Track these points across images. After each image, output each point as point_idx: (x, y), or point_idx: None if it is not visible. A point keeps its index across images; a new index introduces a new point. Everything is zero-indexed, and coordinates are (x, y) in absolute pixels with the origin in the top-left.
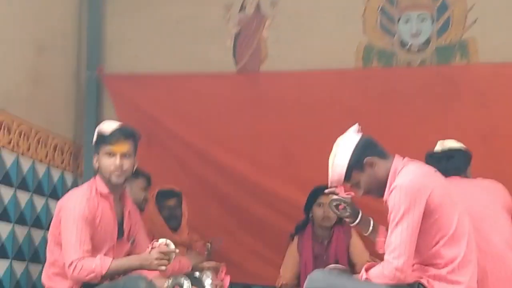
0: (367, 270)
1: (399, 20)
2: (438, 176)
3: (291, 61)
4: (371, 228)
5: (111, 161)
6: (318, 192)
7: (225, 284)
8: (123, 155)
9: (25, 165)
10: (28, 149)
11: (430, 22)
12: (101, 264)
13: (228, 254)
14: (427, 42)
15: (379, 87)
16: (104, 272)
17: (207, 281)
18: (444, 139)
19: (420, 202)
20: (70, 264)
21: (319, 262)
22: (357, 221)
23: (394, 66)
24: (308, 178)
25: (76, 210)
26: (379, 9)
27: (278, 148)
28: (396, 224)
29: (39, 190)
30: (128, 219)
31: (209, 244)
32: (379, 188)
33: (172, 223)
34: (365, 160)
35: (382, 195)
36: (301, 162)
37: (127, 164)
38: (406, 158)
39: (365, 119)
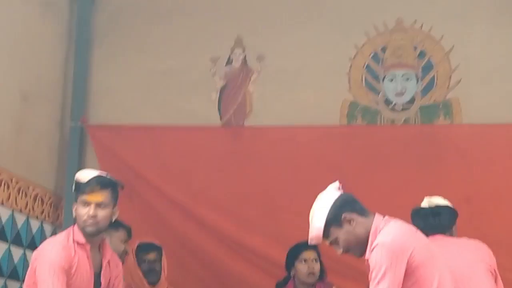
0: None
1: (384, 78)
2: (420, 235)
3: (276, 116)
4: None
5: (85, 211)
6: (300, 248)
7: None
8: (98, 205)
9: (4, 215)
10: (8, 199)
11: (415, 81)
12: None
13: None
14: (412, 101)
15: (363, 144)
16: None
17: None
18: (423, 199)
19: (402, 260)
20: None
21: None
22: None
23: (378, 124)
24: (291, 235)
25: (52, 258)
26: (365, 66)
27: (261, 204)
28: (378, 283)
29: (17, 240)
30: (106, 270)
31: None
32: (358, 246)
33: (151, 278)
34: (343, 216)
35: (363, 254)
36: (284, 219)
37: (101, 214)
38: (386, 217)
39: (349, 176)
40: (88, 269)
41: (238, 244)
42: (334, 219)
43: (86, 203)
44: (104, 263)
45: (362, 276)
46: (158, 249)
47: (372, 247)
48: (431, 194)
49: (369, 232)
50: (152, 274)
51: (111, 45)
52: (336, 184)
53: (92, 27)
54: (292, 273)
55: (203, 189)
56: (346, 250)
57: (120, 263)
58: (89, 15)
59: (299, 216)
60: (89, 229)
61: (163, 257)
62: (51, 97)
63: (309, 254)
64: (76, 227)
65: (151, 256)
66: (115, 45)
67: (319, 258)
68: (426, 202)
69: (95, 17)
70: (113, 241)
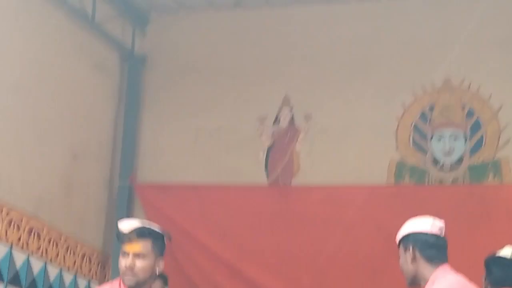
0: None
1: (432, 137)
2: None
3: (323, 175)
4: None
5: (123, 261)
6: None
7: None
8: (136, 256)
9: (52, 273)
10: (57, 257)
11: (463, 140)
12: None
13: None
14: (460, 160)
15: (411, 204)
16: None
17: None
18: (474, 258)
19: None
20: None
21: None
22: None
23: (426, 184)
24: None
25: None
26: (412, 126)
27: (308, 263)
28: None
29: None
30: None
31: None
32: (408, 277)
33: None
34: (411, 247)
35: (410, 285)
36: (330, 278)
37: (140, 265)
38: (449, 268)
39: (395, 236)
40: None
41: None
42: (403, 241)
43: (125, 254)
44: None
45: None
46: None
47: None
48: (478, 254)
49: (426, 278)
50: None
51: (160, 105)
52: (440, 224)
53: (142, 88)
54: None
55: (250, 248)
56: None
57: None
58: (140, 76)
59: (344, 275)
60: (127, 281)
61: None
62: (101, 156)
63: None
64: None
65: None
66: (164, 105)
67: None
68: (508, 251)
69: (145, 78)
70: None
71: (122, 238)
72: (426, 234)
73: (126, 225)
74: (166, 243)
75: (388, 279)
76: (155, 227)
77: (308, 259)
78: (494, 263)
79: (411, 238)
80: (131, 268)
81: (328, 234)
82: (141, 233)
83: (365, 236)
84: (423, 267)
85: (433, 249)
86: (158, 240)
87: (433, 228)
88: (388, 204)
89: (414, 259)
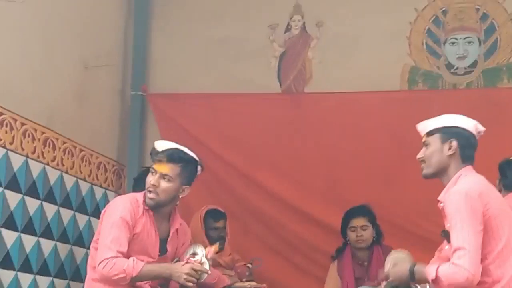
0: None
1: (445, 42)
2: (495, 191)
3: (336, 82)
4: None
5: (149, 178)
6: (349, 216)
7: None
8: (162, 176)
9: (69, 183)
10: (72, 167)
11: (477, 44)
12: (133, 265)
13: (269, 275)
14: (474, 64)
15: (424, 109)
16: (134, 274)
17: None
18: (487, 162)
19: (479, 209)
20: (101, 262)
21: (360, 284)
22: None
23: (440, 89)
24: (351, 201)
25: (118, 212)
26: (425, 30)
27: (321, 170)
28: (462, 229)
29: (81, 208)
30: (173, 239)
31: (250, 265)
32: (434, 170)
33: (220, 245)
34: (451, 140)
35: (427, 176)
36: (344, 185)
37: (164, 186)
38: (473, 169)
39: (409, 141)
40: (153, 234)
41: (299, 210)
42: (445, 131)
43: (153, 172)
44: (172, 232)
45: (419, 240)
46: (224, 217)
47: (450, 193)
48: (495, 157)
49: (453, 174)
50: (220, 241)
51: (170, 15)
52: (481, 128)
53: None
54: (347, 240)
55: (264, 156)
56: (422, 160)
57: (189, 231)
58: None
59: (358, 181)
60: (149, 199)
61: (227, 224)
62: (112, 66)
63: (357, 222)
64: None
65: (221, 223)
66: (174, 15)
67: (372, 223)
68: None
69: None
70: None
71: (153, 156)
72: (470, 133)
73: (161, 145)
74: (198, 172)
75: (402, 184)
76: (190, 153)
77: (321, 165)
78: (508, 167)
79: (456, 133)
80: (155, 186)
81: (341, 140)
82: (172, 155)
83: (379, 141)
84: (456, 164)
85: (471, 150)
86: (188, 167)
87: (476, 129)
88: (402, 110)
89: (453, 153)
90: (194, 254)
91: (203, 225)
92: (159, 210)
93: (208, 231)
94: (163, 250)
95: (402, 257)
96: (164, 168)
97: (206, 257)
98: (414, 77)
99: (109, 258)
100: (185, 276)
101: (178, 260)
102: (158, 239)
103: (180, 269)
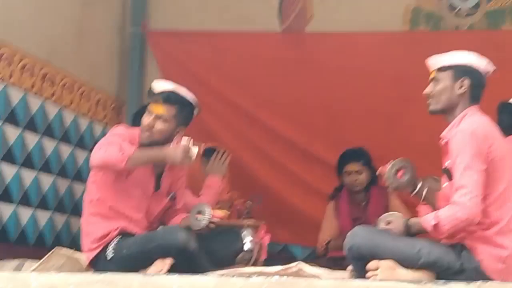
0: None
1: None
2: (499, 132)
3: (337, 22)
4: (424, 194)
5: (145, 118)
6: (343, 160)
7: (264, 243)
8: (158, 117)
9: (68, 118)
10: (71, 103)
11: None
12: (127, 147)
13: (268, 213)
14: (477, 6)
15: (426, 51)
16: (129, 155)
17: (247, 238)
18: (489, 105)
19: (484, 149)
20: (96, 148)
21: (358, 224)
22: (415, 190)
23: (442, 30)
24: (351, 141)
25: (116, 131)
26: None
27: (322, 110)
28: (465, 168)
29: (81, 143)
30: (168, 174)
31: (249, 202)
32: (442, 107)
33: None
34: (463, 78)
35: (433, 112)
36: (345, 125)
37: (159, 126)
38: (478, 109)
39: (410, 83)
40: (148, 169)
41: (299, 149)
42: (458, 69)
43: (149, 112)
44: (166, 167)
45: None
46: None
47: (455, 132)
48: (496, 101)
49: (459, 112)
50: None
51: None
52: (491, 68)
53: None
54: (342, 181)
55: (265, 95)
56: (430, 95)
57: (183, 169)
58: None
59: (359, 121)
60: (143, 137)
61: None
62: (112, 2)
63: (351, 167)
64: None
65: None
66: None
67: (368, 165)
68: None
69: None
70: None
71: (149, 96)
72: (482, 73)
73: (159, 85)
74: (194, 114)
75: (403, 125)
76: (187, 95)
77: (322, 106)
78: (503, 109)
79: (469, 71)
80: (150, 127)
81: (342, 81)
82: (168, 97)
83: (380, 82)
84: (464, 103)
85: (481, 90)
86: (184, 109)
87: (487, 68)
88: (403, 51)
89: (463, 92)
90: (200, 212)
91: (202, 162)
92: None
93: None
94: (157, 185)
95: (394, 214)
96: (160, 109)
97: (211, 217)
98: (416, 18)
99: (105, 144)
100: (180, 157)
101: (174, 196)
102: (154, 174)
103: (175, 152)
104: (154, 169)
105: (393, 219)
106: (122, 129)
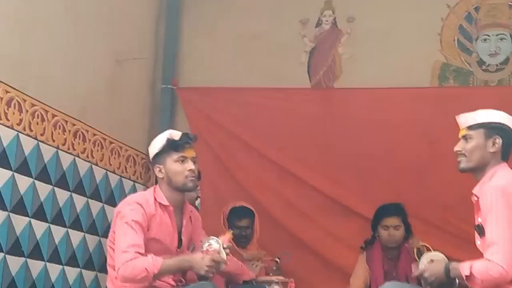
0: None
1: (477, 38)
2: None
3: (366, 78)
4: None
5: (183, 167)
6: (382, 214)
7: None
8: (193, 160)
9: (98, 175)
10: (102, 159)
11: (510, 41)
12: (153, 262)
13: (297, 270)
14: (506, 61)
15: (455, 106)
16: (156, 271)
17: None
18: None
19: None
20: (122, 266)
21: (389, 278)
22: None
23: (471, 85)
24: (382, 197)
25: (131, 215)
26: (457, 27)
27: (352, 166)
28: (497, 224)
29: (111, 200)
30: (187, 228)
31: (278, 259)
32: (474, 165)
33: (241, 243)
34: (495, 137)
35: (464, 170)
36: (375, 181)
37: (196, 169)
38: (507, 166)
39: (440, 138)
40: (171, 229)
41: (329, 204)
42: (489, 127)
43: (184, 159)
44: (185, 221)
45: (448, 237)
46: (251, 215)
47: (486, 186)
48: None
49: (489, 171)
50: (242, 239)
51: (201, 8)
52: None
53: None
54: (376, 235)
55: (295, 149)
56: (461, 153)
57: (200, 217)
58: None
59: (389, 177)
60: (191, 184)
61: (255, 220)
62: (143, 60)
63: (390, 221)
64: (158, 189)
65: (244, 222)
66: (205, 9)
67: (404, 222)
68: None
69: None
70: None
71: (178, 144)
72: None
73: (173, 134)
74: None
75: (432, 181)
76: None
77: (352, 161)
78: None
79: (501, 129)
80: (194, 171)
81: (371, 136)
82: (193, 138)
83: (410, 138)
84: (495, 161)
85: (511, 147)
86: None
87: None
88: (432, 106)
89: (495, 150)
90: (210, 246)
91: (226, 223)
92: (178, 200)
93: (232, 229)
94: (179, 242)
95: (438, 255)
96: (193, 152)
97: (222, 246)
98: (445, 74)
99: (128, 260)
100: (206, 269)
101: (194, 248)
102: (176, 232)
103: (201, 262)
104: (177, 226)
105: (436, 259)
106: (134, 209)
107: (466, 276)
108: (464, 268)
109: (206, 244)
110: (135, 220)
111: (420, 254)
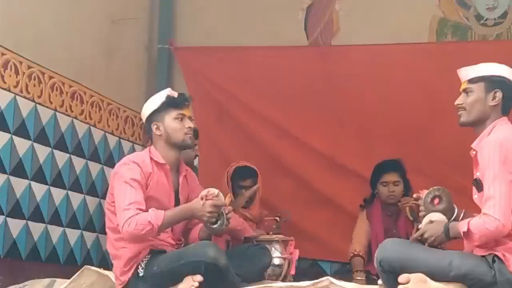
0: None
1: None
2: None
3: (363, 34)
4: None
5: (182, 124)
6: (381, 170)
7: (293, 258)
8: (190, 118)
9: (97, 136)
10: (100, 121)
11: None
12: (155, 215)
13: (297, 228)
14: (504, 15)
15: (453, 61)
16: (159, 223)
17: (276, 254)
18: None
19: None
20: (125, 223)
21: (389, 235)
22: (452, 219)
23: (469, 40)
24: (381, 154)
25: (127, 174)
26: None
27: (351, 123)
28: (494, 178)
29: (109, 162)
30: (184, 187)
31: (278, 218)
32: (474, 119)
33: (244, 203)
34: (496, 91)
35: (464, 124)
36: (374, 138)
37: (194, 127)
38: (507, 120)
39: (439, 94)
40: (168, 188)
41: (329, 162)
42: (490, 81)
43: (183, 117)
44: (181, 180)
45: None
46: (254, 175)
47: (485, 141)
48: None
49: (489, 123)
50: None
51: None
52: None
53: None
54: (376, 192)
55: (294, 108)
56: (462, 106)
57: (196, 177)
58: None
59: (388, 133)
60: (189, 141)
61: (258, 179)
62: (139, 20)
63: (389, 177)
64: (153, 148)
65: (248, 182)
66: None
67: (403, 178)
68: None
69: None
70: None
71: (177, 102)
72: None
73: (170, 93)
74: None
75: (432, 136)
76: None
77: (351, 118)
78: None
79: (502, 82)
80: (192, 129)
81: (370, 93)
82: (189, 97)
83: (408, 94)
84: (495, 114)
85: (511, 101)
86: None
87: None
88: (430, 62)
89: (496, 104)
90: (208, 191)
91: (230, 183)
92: (174, 158)
93: (235, 188)
94: (176, 201)
95: (437, 215)
96: (189, 110)
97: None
98: (443, 29)
99: (131, 217)
100: (208, 215)
101: None
102: (173, 190)
103: (202, 208)
104: (173, 185)
105: (436, 219)
106: (131, 168)
107: (464, 232)
108: (462, 225)
109: (205, 191)
110: (133, 178)
111: (412, 212)
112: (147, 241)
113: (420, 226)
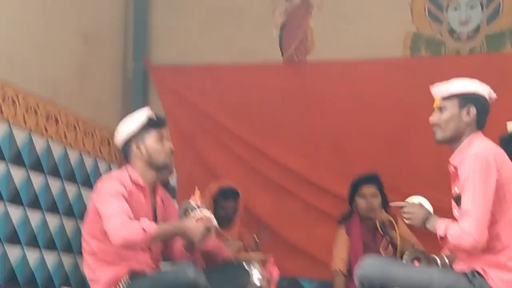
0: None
1: (447, 7)
2: (506, 156)
3: (338, 50)
4: None
5: (163, 144)
6: (359, 183)
7: (273, 276)
8: (167, 138)
9: (73, 156)
10: (76, 141)
11: (480, 9)
12: (148, 224)
13: (276, 246)
14: (477, 29)
15: (427, 76)
16: (152, 231)
17: (255, 272)
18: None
19: (494, 173)
20: (115, 229)
21: (369, 250)
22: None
23: (443, 55)
24: (357, 170)
25: (113, 188)
26: None
27: (327, 139)
28: (473, 192)
29: (87, 182)
30: (160, 207)
31: (255, 236)
32: (450, 136)
33: (224, 223)
34: (468, 105)
35: (440, 141)
36: (349, 154)
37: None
38: (482, 134)
39: (414, 109)
40: (146, 209)
41: (305, 179)
42: (463, 97)
43: (162, 137)
44: (158, 200)
45: None
46: (235, 197)
47: (463, 155)
48: (498, 124)
49: (465, 138)
50: (226, 221)
51: None
52: (491, 92)
53: None
54: (354, 207)
55: (269, 126)
56: (437, 124)
57: (171, 198)
58: None
59: (363, 150)
60: (169, 162)
61: (239, 200)
62: (113, 39)
63: (367, 189)
64: (130, 168)
65: (230, 204)
66: None
67: (380, 192)
68: (509, 126)
69: None
70: None
71: (157, 123)
72: (486, 100)
73: (148, 113)
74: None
75: (407, 152)
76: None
77: (326, 134)
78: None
79: (475, 98)
80: (172, 149)
81: (345, 109)
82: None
83: (382, 109)
84: (470, 130)
85: (485, 116)
86: None
87: (489, 95)
88: (405, 77)
89: (470, 119)
90: (186, 211)
91: (212, 203)
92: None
93: (217, 208)
94: (155, 219)
95: (427, 203)
96: (166, 130)
97: (198, 206)
98: (417, 44)
99: (122, 222)
100: (200, 237)
101: None
102: (152, 210)
103: (194, 228)
104: (151, 205)
105: (425, 206)
106: (114, 183)
107: (440, 236)
108: (440, 227)
109: (197, 212)
110: (118, 191)
111: (384, 227)
112: (127, 260)
113: (389, 236)
